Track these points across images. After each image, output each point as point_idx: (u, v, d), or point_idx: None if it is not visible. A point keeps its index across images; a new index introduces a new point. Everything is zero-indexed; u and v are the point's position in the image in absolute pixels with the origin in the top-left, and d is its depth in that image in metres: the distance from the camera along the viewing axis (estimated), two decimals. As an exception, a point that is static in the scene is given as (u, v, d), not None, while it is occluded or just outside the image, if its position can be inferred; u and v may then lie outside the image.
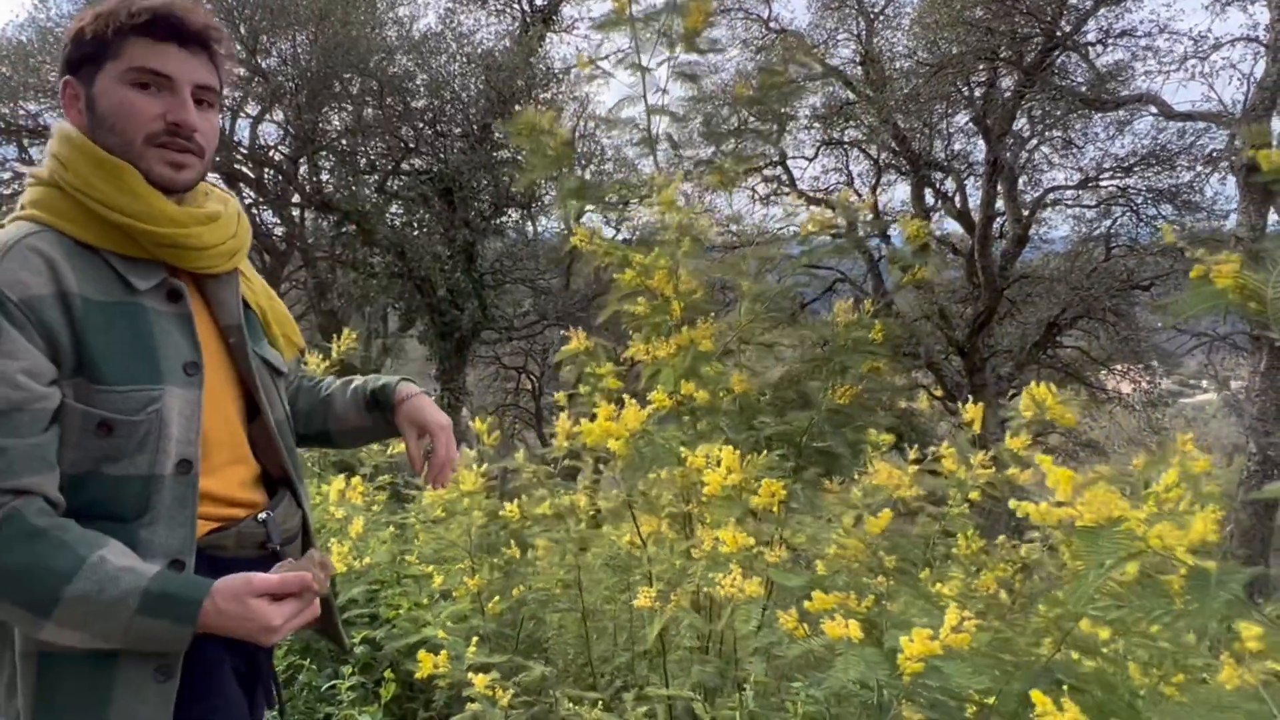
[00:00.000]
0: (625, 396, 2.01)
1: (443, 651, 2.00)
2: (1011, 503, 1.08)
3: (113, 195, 1.02)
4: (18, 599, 0.93)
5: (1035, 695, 0.92)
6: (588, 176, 11.49)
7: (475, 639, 2.12)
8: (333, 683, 2.36)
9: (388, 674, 2.36)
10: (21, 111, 10.98)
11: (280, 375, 1.24)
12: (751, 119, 2.30)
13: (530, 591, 2.67)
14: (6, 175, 11.93)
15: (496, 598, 2.57)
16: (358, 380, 1.42)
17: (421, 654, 2.00)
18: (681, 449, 1.81)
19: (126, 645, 0.97)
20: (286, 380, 1.28)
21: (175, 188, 1.08)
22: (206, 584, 0.98)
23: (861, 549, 1.83)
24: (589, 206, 2.52)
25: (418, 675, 2.01)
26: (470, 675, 2.00)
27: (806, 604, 1.47)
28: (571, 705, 2.06)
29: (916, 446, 1.94)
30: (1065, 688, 1.45)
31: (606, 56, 2.31)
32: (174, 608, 0.95)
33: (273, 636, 1.00)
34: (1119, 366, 13.57)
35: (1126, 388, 13.67)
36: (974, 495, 2.09)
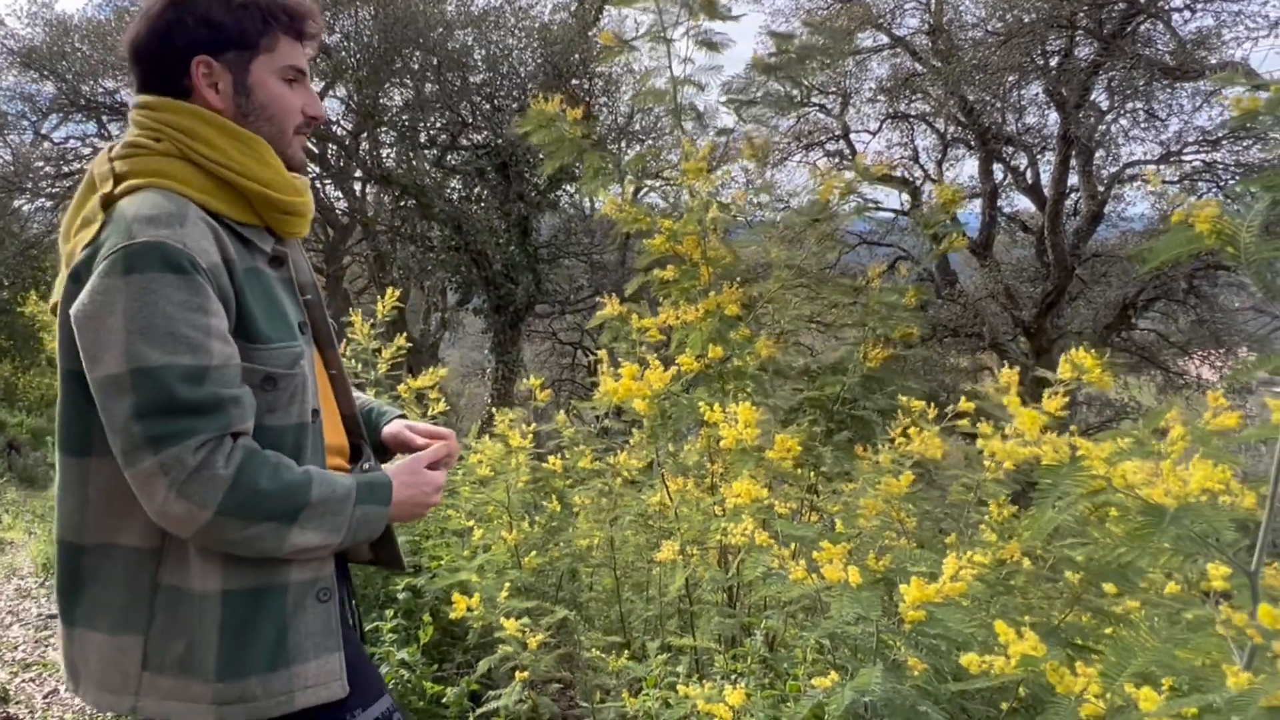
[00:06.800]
0: (650, 358, 2.06)
1: (475, 595, 2.10)
2: (980, 441, 1.10)
3: (254, 168, 1.12)
4: (277, 513, 1.04)
5: (998, 626, 0.95)
6: (644, 151, 11.44)
7: (508, 585, 2.22)
8: (375, 624, 2.50)
9: (426, 618, 2.48)
10: (100, 89, 11.50)
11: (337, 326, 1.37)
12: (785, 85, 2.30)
13: (567, 547, 2.76)
14: (87, 151, 12.55)
15: (534, 552, 2.67)
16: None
17: (455, 595, 2.10)
18: (701, 405, 1.86)
19: (344, 535, 1.10)
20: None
21: (303, 167, 1.22)
22: (383, 472, 1.18)
23: (881, 508, 1.85)
24: (638, 181, 2.54)
25: (451, 616, 2.12)
26: (502, 619, 2.11)
27: (815, 554, 1.51)
28: (598, 652, 2.14)
29: (933, 406, 1.93)
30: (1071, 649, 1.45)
31: (643, 35, 2.30)
32: (378, 492, 1.13)
33: (438, 496, 1.22)
34: (1198, 351, 12.95)
35: (1210, 374, 13.03)
36: (1009, 465, 2.06)
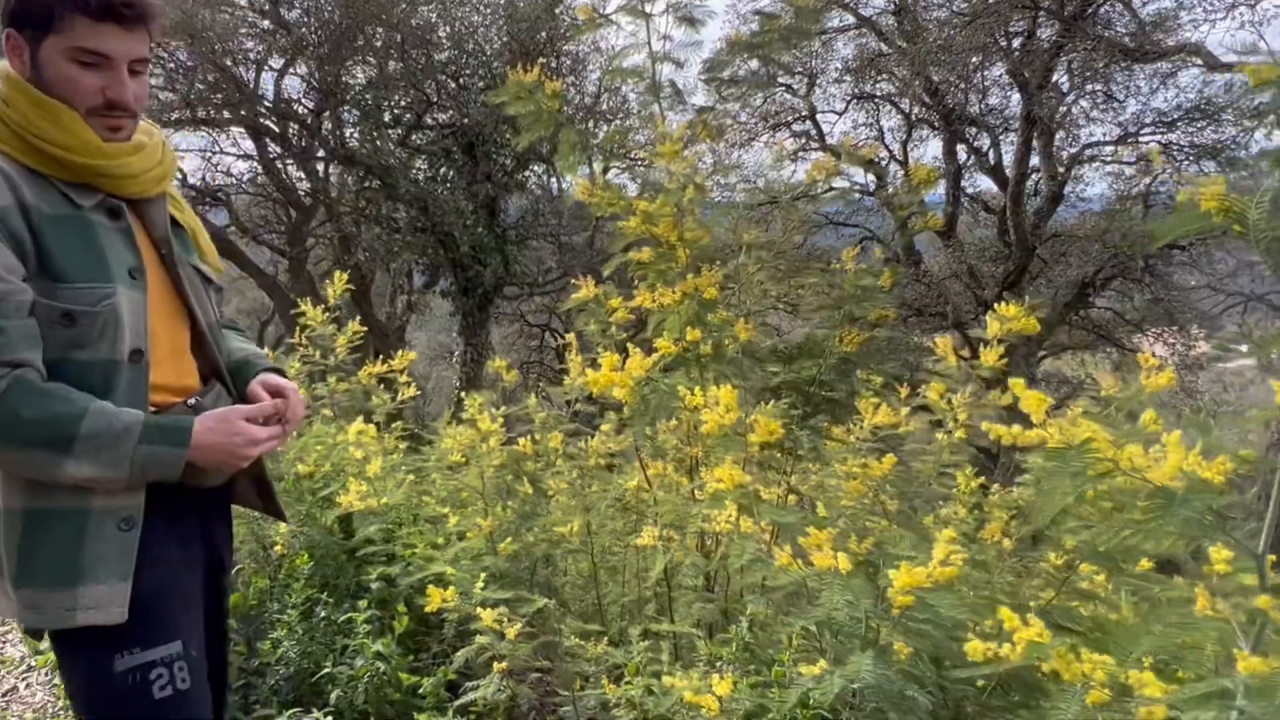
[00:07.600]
0: (629, 344, 2.02)
1: (450, 587, 2.05)
2: (984, 425, 1.09)
3: (49, 131, 1.17)
4: (40, 441, 1.10)
5: (1003, 612, 0.94)
6: (616, 129, 11.33)
7: (483, 574, 2.17)
8: (349, 615, 2.44)
9: (401, 608, 2.43)
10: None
11: (210, 283, 1.40)
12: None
13: (542, 533, 2.73)
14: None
15: (509, 539, 2.63)
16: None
17: (430, 589, 2.06)
18: (681, 388, 1.83)
19: (131, 475, 1.14)
20: (218, 289, 1.44)
21: (114, 143, 1.24)
22: (191, 417, 1.20)
23: (862, 490, 1.84)
24: (607, 160, 2.49)
25: (426, 609, 2.07)
26: (479, 610, 2.07)
27: (801, 540, 1.49)
28: (577, 640, 2.12)
29: (904, 384, 1.93)
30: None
31: (622, 9, 2.23)
32: (170, 435, 1.17)
33: (254, 450, 1.24)
34: (1152, 329, 13.29)
35: (1163, 350, 13.37)
36: (959, 434, 2.06)
